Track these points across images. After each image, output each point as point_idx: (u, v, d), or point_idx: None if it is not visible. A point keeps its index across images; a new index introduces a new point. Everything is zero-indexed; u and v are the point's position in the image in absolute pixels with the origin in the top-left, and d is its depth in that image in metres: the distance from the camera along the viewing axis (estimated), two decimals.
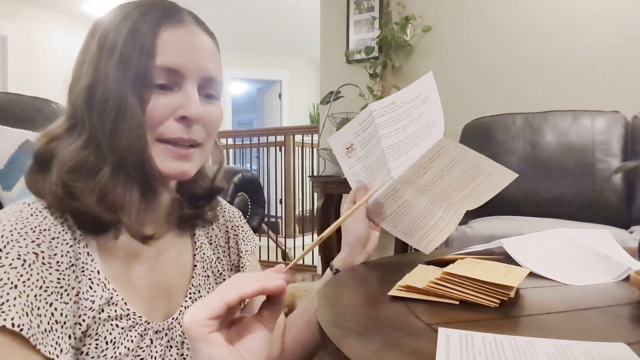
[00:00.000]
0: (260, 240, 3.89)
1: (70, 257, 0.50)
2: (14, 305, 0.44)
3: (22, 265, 0.46)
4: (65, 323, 0.48)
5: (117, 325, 0.53)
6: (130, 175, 0.53)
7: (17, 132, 1.25)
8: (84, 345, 0.50)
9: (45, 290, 0.47)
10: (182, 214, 0.63)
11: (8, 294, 0.44)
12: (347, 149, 0.72)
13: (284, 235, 4.54)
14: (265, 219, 3.77)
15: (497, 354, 0.39)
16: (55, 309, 0.48)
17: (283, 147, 4.39)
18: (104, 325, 0.52)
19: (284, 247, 4.21)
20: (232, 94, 6.90)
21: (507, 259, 0.74)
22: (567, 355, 0.39)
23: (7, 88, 4.36)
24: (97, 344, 0.51)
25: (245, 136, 4.94)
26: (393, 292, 0.57)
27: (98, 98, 0.52)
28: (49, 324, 0.47)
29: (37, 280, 0.47)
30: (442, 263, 0.65)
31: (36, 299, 0.46)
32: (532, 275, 0.67)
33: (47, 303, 0.47)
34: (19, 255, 0.46)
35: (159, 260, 0.60)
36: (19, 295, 0.45)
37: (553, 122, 2.08)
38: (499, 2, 2.50)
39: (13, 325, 0.43)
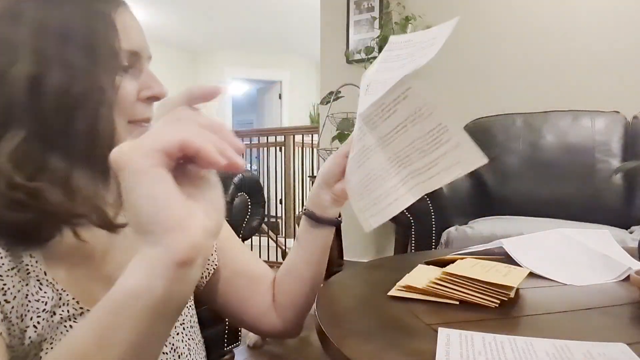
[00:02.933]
0: (260, 240, 3.88)
1: (10, 261, 0.47)
2: None
3: None
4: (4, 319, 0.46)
5: (71, 327, 0.50)
6: (95, 163, 0.49)
7: None
8: (41, 350, 0.48)
9: None
10: None
11: None
12: (367, 86, 0.63)
13: (284, 235, 4.54)
14: (265, 219, 3.77)
15: (497, 354, 0.39)
16: None
17: (283, 148, 4.39)
18: (57, 328, 0.49)
19: (284, 247, 4.21)
20: (232, 94, 6.90)
21: (507, 259, 0.74)
22: (567, 355, 0.39)
23: None
24: (52, 348, 0.48)
25: (245, 136, 4.94)
26: (393, 292, 0.58)
27: (53, 86, 0.47)
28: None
29: None
30: (442, 263, 0.65)
31: None
32: (532, 275, 0.67)
33: None
34: None
35: (113, 253, 0.57)
36: None
37: (553, 122, 2.08)
38: (499, 3, 2.50)
39: None
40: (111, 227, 0.51)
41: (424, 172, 0.56)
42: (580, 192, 1.94)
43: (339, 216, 0.71)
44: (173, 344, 0.59)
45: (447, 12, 2.59)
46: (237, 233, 1.10)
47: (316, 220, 0.69)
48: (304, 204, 0.73)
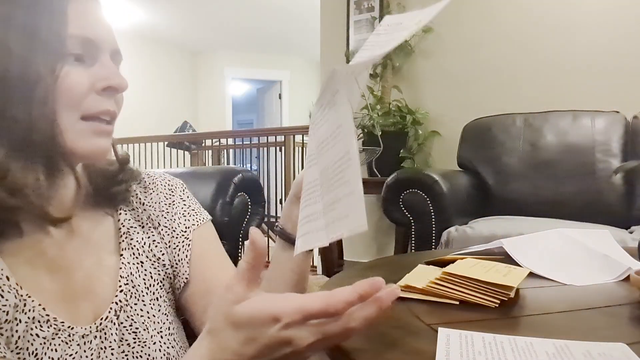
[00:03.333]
0: None
1: None
2: None
3: None
4: None
5: (37, 335, 0.48)
6: (33, 154, 0.48)
7: None
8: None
9: None
10: (97, 197, 0.59)
11: None
12: None
13: None
14: (265, 219, 3.77)
15: (497, 354, 0.39)
16: None
17: (283, 147, 4.38)
18: (24, 336, 0.47)
19: None
20: (232, 94, 6.90)
21: (507, 259, 0.74)
22: (567, 355, 0.39)
23: None
24: (19, 357, 0.47)
25: (245, 136, 4.94)
26: None
27: None
28: None
29: None
30: (442, 263, 0.65)
31: None
32: (532, 275, 0.67)
33: None
34: None
35: (72, 256, 0.55)
36: None
37: (553, 122, 2.08)
38: (499, 3, 2.50)
39: None
40: (49, 221, 0.50)
41: (328, 212, 0.42)
42: (580, 192, 1.94)
43: None
44: (149, 355, 0.57)
45: (447, 12, 2.58)
46: (237, 233, 1.10)
47: (288, 240, 0.65)
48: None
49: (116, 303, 0.57)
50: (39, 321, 0.49)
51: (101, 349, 0.54)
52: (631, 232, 1.62)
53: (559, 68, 2.34)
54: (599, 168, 1.93)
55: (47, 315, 0.49)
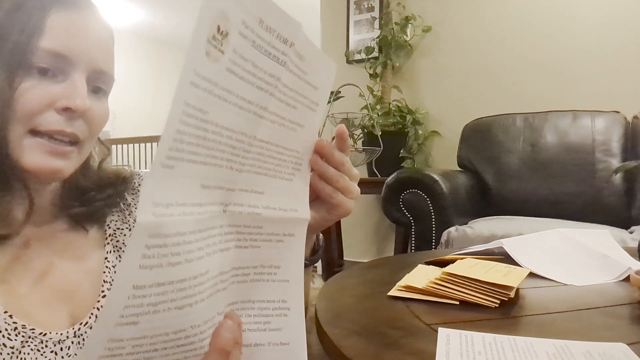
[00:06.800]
0: None
1: None
2: None
3: None
4: None
5: (4, 345, 0.46)
6: None
7: None
8: None
9: None
10: (72, 211, 0.56)
11: None
12: None
13: None
14: None
15: (497, 354, 0.39)
16: None
17: None
18: None
19: None
20: None
21: (507, 259, 0.74)
22: (567, 355, 0.39)
23: None
24: None
25: None
26: (393, 292, 0.58)
27: None
28: None
29: None
30: (442, 263, 0.65)
31: None
32: (532, 275, 0.67)
33: None
34: None
35: (48, 261, 0.53)
36: None
37: (553, 122, 2.08)
38: (498, 3, 2.50)
39: None
40: None
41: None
42: (580, 192, 1.94)
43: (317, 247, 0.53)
44: None
45: (447, 12, 2.59)
46: None
47: None
48: None
49: (98, 309, 0.54)
50: (5, 329, 0.46)
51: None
52: (631, 232, 1.62)
53: (559, 68, 2.34)
54: (599, 168, 1.93)
55: (15, 323, 0.47)
